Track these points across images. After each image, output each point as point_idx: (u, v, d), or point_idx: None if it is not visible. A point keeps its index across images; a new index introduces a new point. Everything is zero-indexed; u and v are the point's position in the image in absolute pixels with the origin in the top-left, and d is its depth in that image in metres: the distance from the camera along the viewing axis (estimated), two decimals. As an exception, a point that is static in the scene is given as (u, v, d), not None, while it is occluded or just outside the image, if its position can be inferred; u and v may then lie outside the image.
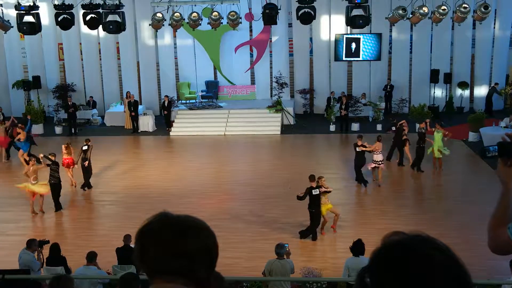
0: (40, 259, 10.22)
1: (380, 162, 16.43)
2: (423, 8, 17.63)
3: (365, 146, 16.34)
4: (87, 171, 16.67)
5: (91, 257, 9.58)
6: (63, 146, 16.96)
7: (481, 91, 25.38)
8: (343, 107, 22.69)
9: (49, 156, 14.83)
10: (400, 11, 17.87)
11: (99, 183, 17.15)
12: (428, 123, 18.15)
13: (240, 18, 20.15)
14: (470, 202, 14.82)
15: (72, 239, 13.15)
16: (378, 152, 16.37)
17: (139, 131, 23.70)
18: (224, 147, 21.71)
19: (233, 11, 19.74)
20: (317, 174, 17.80)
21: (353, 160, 16.75)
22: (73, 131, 23.17)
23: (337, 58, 24.99)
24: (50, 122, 24.51)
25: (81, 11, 17.84)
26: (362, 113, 23.94)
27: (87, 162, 16.53)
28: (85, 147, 16.62)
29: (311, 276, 10.19)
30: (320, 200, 12.79)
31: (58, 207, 14.96)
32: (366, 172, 16.72)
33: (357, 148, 16.36)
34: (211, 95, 25.81)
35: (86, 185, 16.67)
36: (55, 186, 14.79)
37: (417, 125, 19.09)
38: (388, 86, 25.36)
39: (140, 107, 24.34)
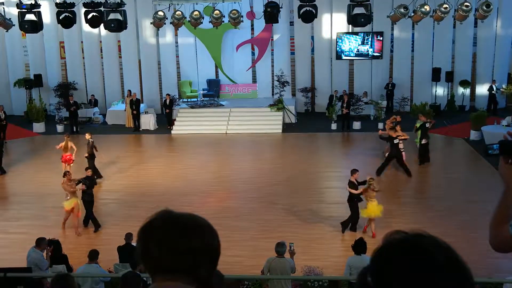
0: (49, 258, 10.24)
1: (403, 150, 17.05)
2: (425, 7, 17.61)
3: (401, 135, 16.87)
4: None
5: (93, 256, 9.61)
6: (62, 143, 16.98)
7: (482, 89, 25.36)
8: (345, 105, 22.69)
9: (87, 174, 13.90)
10: (402, 10, 17.85)
11: (100, 182, 17.16)
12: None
13: (242, 16, 20.13)
14: (471, 200, 14.81)
15: (74, 238, 13.15)
16: (401, 141, 16.90)
17: (140, 129, 23.71)
18: (226, 145, 21.70)
19: (234, 10, 19.73)
20: (318, 172, 17.88)
21: (353, 158, 16.93)
22: (74, 130, 23.17)
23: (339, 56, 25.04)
24: (51, 121, 24.53)
25: (83, 10, 17.85)
26: (363, 111, 23.94)
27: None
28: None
29: (312, 275, 10.20)
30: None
31: (96, 224, 13.68)
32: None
33: (395, 140, 16.67)
34: (213, 93, 25.81)
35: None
36: (88, 204, 13.64)
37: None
38: (390, 85, 25.35)
39: (141, 105, 24.35)
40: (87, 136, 17.06)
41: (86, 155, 16.72)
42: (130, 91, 24.33)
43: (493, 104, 24.46)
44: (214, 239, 1.81)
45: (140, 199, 15.50)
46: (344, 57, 25.49)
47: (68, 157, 16.90)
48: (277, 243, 9.43)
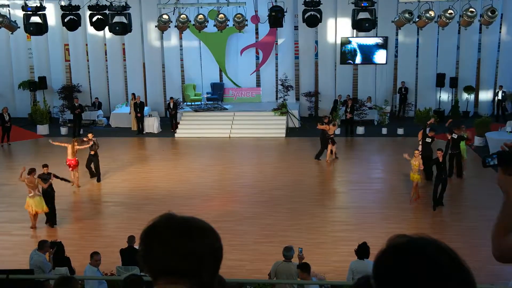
0: (51, 260, 10.24)
1: None
2: (430, 12, 17.61)
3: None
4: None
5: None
6: (70, 145, 16.93)
7: (487, 95, 25.33)
8: (349, 110, 22.69)
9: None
10: (407, 15, 17.84)
11: (103, 184, 17.20)
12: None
13: (246, 20, 20.15)
14: (474, 207, 14.79)
15: (76, 240, 13.16)
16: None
17: (144, 132, 23.75)
18: (229, 149, 21.71)
19: (239, 14, 19.75)
20: (321, 177, 17.86)
21: (357, 162, 16.87)
22: (77, 132, 23.17)
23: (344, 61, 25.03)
24: (55, 123, 24.59)
25: (88, 12, 17.90)
26: (367, 116, 23.92)
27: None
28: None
29: (315, 279, 10.16)
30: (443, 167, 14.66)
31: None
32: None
33: (427, 139, 16.85)
34: (217, 97, 25.83)
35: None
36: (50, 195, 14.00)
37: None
38: (403, 89, 25.19)
39: (145, 108, 24.38)
40: (90, 136, 17.29)
41: (92, 152, 17.31)
42: (134, 94, 24.35)
43: (501, 110, 24.32)
44: (217, 242, 1.80)
45: (143, 201, 15.51)
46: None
47: (73, 162, 16.79)
48: (285, 247, 9.43)
